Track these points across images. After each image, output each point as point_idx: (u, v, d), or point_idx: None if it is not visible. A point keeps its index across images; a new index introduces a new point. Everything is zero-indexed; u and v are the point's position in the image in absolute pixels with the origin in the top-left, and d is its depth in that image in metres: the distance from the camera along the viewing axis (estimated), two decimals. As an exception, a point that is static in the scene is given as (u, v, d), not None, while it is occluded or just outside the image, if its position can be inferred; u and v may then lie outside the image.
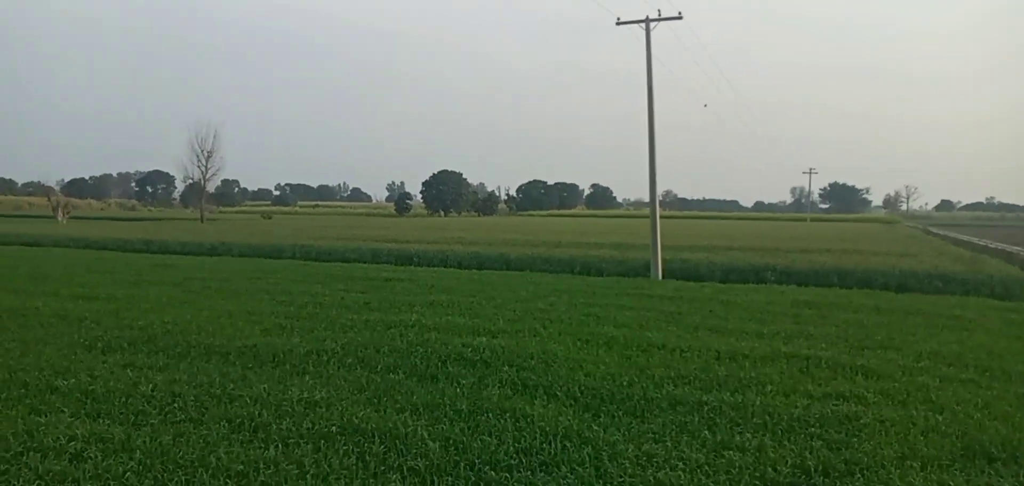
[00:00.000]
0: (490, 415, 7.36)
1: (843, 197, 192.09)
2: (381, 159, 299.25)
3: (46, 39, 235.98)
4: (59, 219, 68.47)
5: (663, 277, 23.40)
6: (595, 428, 7.03)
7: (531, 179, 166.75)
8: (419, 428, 6.89)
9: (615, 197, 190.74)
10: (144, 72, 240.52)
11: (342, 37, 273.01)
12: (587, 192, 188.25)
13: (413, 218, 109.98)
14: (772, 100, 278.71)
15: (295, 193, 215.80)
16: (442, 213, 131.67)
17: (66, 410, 7.45)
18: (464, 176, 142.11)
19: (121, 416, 7.32)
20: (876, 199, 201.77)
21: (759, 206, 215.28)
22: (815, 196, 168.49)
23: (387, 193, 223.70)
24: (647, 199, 25.69)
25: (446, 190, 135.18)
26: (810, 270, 23.41)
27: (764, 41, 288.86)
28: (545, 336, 11.52)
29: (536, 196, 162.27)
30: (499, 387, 8.44)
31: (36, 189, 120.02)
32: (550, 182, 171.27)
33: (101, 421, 7.16)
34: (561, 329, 12.26)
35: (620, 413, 7.61)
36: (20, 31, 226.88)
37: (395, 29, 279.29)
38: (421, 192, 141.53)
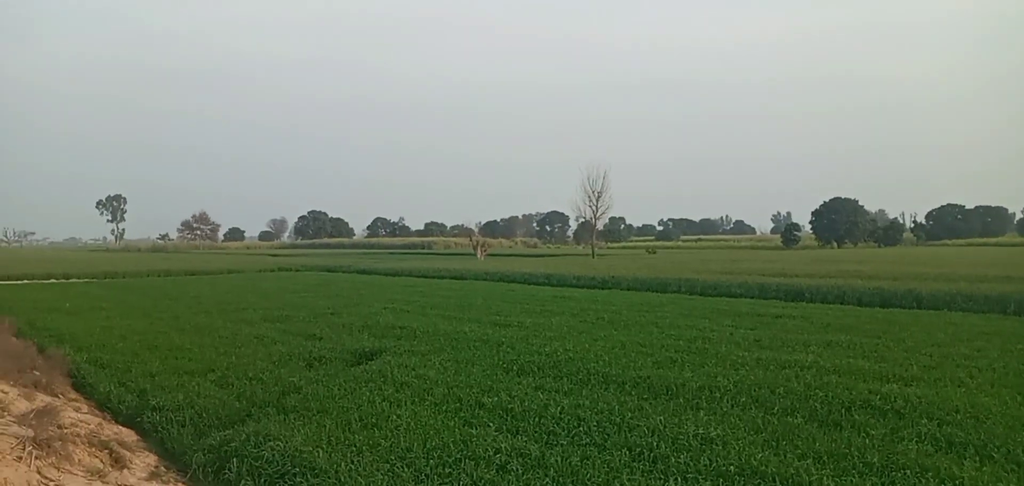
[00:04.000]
0: (908, 472, 6.56)
1: None
2: (765, 188, 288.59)
3: (474, 112, 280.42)
4: (478, 256, 79.22)
5: None
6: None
7: (944, 203, 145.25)
8: (824, 478, 6.44)
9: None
10: (542, 124, 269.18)
11: (720, 71, 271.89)
12: (1019, 217, 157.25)
13: (802, 250, 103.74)
14: None
15: (677, 228, 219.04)
16: (835, 244, 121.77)
17: (491, 424, 8.56)
18: (860, 202, 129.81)
19: (536, 434, 8.17)
20: None
21: None
22: None
23: (772, 224, 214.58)
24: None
25: (839, 219, 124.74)
26: None
27: None
28: (972, 387, 9.91)
29: (951, 222, 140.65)
30: (917, 441, 7.49)
31: (461, 230, 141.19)
32: (969, 206, 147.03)
33: (520, 437, 8.07)
34: (993, 379, 10.43)
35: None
36: (464, 107, 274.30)
37: (779, 56, 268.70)
38: (810, 222, 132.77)
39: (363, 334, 16.23)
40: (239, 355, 13.72)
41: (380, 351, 13.76)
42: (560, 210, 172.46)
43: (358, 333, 16.42)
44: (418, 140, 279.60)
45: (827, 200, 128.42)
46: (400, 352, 13.51)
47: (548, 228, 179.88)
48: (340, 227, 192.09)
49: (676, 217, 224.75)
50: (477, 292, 29.08)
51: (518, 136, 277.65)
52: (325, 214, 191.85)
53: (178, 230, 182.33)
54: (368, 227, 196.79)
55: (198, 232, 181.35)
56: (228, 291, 30.59)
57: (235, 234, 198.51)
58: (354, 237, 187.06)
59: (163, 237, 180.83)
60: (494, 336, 15.33)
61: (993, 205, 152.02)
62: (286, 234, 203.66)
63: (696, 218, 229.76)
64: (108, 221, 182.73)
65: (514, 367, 11.93)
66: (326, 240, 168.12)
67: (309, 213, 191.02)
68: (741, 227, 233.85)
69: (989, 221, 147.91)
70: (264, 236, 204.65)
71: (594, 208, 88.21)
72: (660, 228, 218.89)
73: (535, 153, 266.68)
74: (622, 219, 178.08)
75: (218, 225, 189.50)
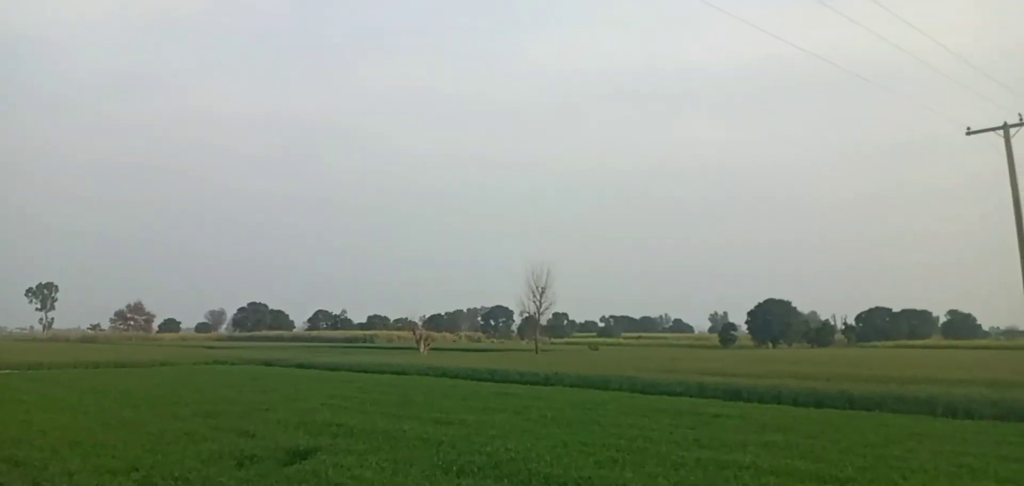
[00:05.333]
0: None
1: None
2: (703, 288, 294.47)
3: (420, 206, 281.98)
4: (421, 350, 78.21)
5: (1058, 423, 19.24)
6: None
7: (873, 306, 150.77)
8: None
9: (980, 325, 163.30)
10: (489, 221, 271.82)
11: (659, 173, 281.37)
12: (944, 320, 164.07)
13: (739, 349, 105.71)
14: None
15: (619, 324, 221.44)
16: (770, 344, 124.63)
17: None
18: (793, 304, 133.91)
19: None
20: None
21: None
22: None
23: (709, 324, 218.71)
24: (1023, 326, 21.70)
25: (773, 319, 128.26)
26: None
27: None
28: (905, 488, 10.13)
29: (880, 325, 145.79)
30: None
31: (404, 324, 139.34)
32: (896, 309, 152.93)
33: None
34: (924, 481, 10.70)
35: None
36: (403, 207, 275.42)
37: (709, 162, 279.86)
38: (746, 322, 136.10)
39: (298, 431, 15.75)
40: (166, 453, 13.10)
41: (315, 449, 13.34)
42: (505, 305, 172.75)
43: (293, 430, 15.93)
44: (363, 233, 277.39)
45: (761, 301, 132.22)
46: (336, 451, 13.13)
47: (492, 322, 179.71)
48: (280, 319, 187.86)
49: (618, 314, 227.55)
50: (419, 387, 28.63)
51: (465, 231, 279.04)
52: (265, 306, 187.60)
53: (111, 320, 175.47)
54: (309, 320, 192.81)
55: (132, 322, 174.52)
56: (159, 384, 29.40)
57: (170, 325, 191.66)
58: (294, 330, 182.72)
59: (94, 327, 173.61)
60: (435, 434, 15.06)
61: (918, 308, 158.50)
62: (224, 326, 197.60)
63: (637, 316, 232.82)
64: (37, 309, 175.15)
65: (454, 467, 11.70)
66: (265, 332, 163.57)
67: (248, 304, 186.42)
68: (680, 325, 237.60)
69: (915, 324, 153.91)
70: (201, 328, 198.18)
71: (538, 303, 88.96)
72: (602, 324, 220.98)
73: (481, 248, 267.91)
74: (565, 315, 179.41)
75: (153, 315, 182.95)
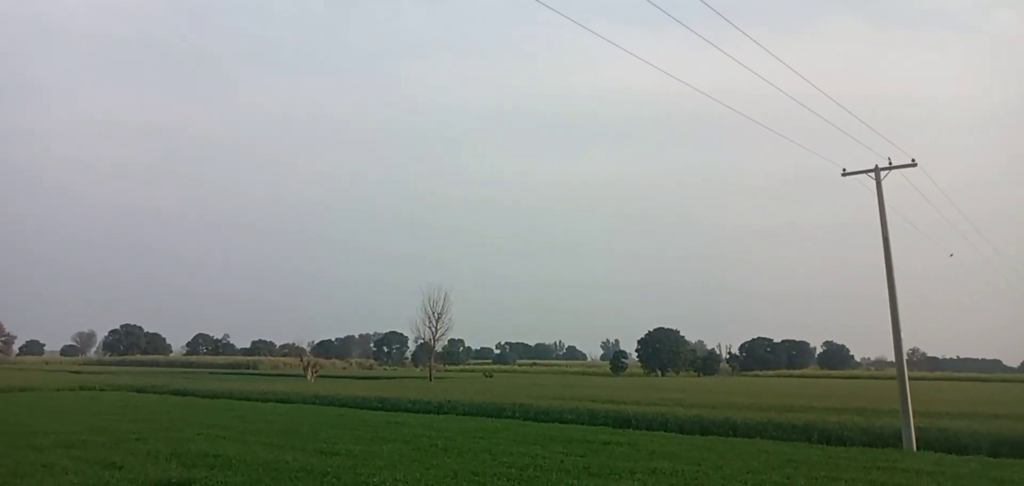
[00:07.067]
0: None
1: None
2: (596, 317, 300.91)
3: (310, 223, 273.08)
4: (308, 378, 75.59)
5: (917, 448, 20.54)
6: None
7: (755, 337, 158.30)
8: None
9: (852, 356, 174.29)
10: (386, 243, 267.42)
11: (553, 198, 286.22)
12: (820, 350, 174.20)
13: (629, 377, 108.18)
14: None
15: (514, 351, 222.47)
16: (659, 372, 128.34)
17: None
18: (681, 333, 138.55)
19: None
20: None
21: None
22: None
23: (602, 351, 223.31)
24: (890, 357, 23.22)
25: (662, 348, 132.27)
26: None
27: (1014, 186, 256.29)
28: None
29: (762, 355, 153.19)
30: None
31: (291, 350, 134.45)
32: (777, 340, 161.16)
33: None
34: (802, 507, 11.01)
35: None
36: (292, 228, 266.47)
37: (610, 191, 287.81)
38: (637, 350, 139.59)
39: (171, 463, 14.69)
40: (15, 489, 11.86)
41: (189, 482, 12.45)
42: (399, 331, 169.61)
43: (165, 462, 14.84)
44: (249, 254, 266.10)
45: (652, 330, 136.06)
46: (211, 484, 12.29)
47: (386, 349, 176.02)
48: (156, 343, 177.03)
49: (513, 341, 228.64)
50: (304, 417, 27.52)
51: (358, 255, 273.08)
52: (140, 328, 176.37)
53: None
54: (188, 344, 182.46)
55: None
56: (17, 412, 27.05)
57: (33, 347, 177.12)
58: (171, 354, 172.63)
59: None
60: (319, 466, 14.37)
61: (797, 339, 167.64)
62: (94, 349, 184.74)
63: (532, 343, 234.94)
64: None
65: (337, 500, 11.14)
66: (139, 357, 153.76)
67: (121, 327, 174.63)
68: (573, 353, 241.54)
69: (794, 354, 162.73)
70: (67, 351, 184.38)
71: (433, 330, 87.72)
72: (498, 351, 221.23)
73: (376, 272, 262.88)
74: (461, 341, 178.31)
75: (13, 336, 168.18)
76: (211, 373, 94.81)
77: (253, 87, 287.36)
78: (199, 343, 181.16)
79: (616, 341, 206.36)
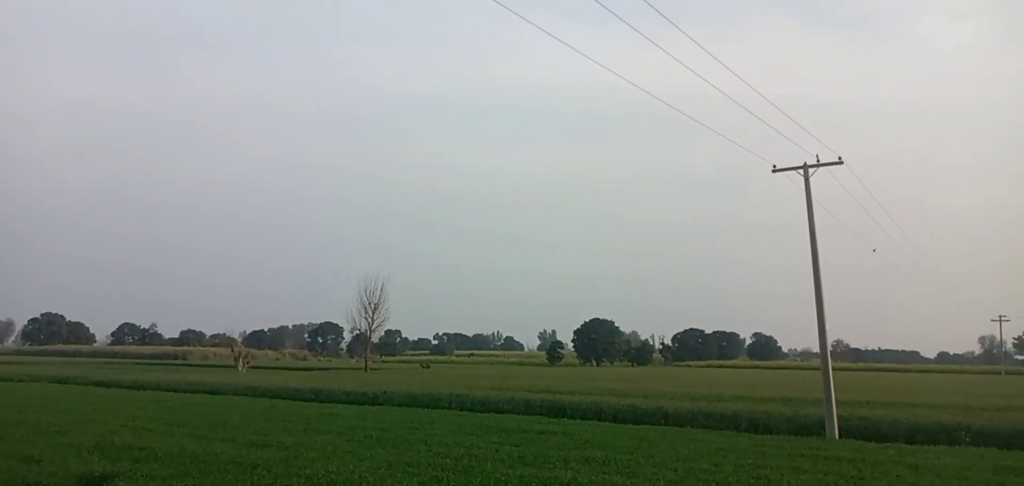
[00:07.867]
0: None
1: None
2: (533, 308, 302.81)
3: (243, 207, 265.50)
4: (240, 369, 73.74)
5: (839, 436, 21.42)
6: None
7: (687, 328, 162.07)
8: None
9: (780, 347, 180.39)
10: (321, 230, 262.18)
11: (493, 189, 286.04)
12: (749, 342, 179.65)
13: (565, 367, 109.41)
14: (956, 241, 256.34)
15: (452, 342, 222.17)
16: (594, 362, 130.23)
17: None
18: (616, 324, 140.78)
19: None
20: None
21: (943, 357, 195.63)
22: (1009, 346, 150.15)
23: (539, 341, 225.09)
24: (815, 349, 24.11)
25: (598, 339, 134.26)
26: (1013, 431, 20.62)
27: (936, 186, 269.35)
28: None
29: (693, 346, 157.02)
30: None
31: (222, 340, 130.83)
32: (708, 331, 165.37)
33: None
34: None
35: None
36: (217, 205, 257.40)
37: (548, 183, 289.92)
38: (573, 341, 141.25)
39: (94, 456, 14.17)
40: (-81, 486, 11.28)
41: (112, 477, 12.02)
42: (334, 321, 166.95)
43: (87, 455, 14.29)
44: (177, 239, 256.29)
45: (587, 320, 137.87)
46: (136, 477, 11.93)
47: (320, 340, 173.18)
48: (79, 332, 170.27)
49: (451, 332, 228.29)
50: (235, 408, 26.92)
51: (291, 242, 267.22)
52: (62, 317, 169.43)
53: None
54: (113, 334, 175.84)
55: None
56: (-81, 406, 25.58)
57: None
58: (95, 344, 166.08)
59: None
60: (249, 458, 14.09)
61: (727, 331, 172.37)
62: (12, 339, 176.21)
63: (470, 333, 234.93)
64: None
65: (268, 492, 10.97)
66: (61, 347, 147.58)
67: (42, 315, 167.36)
68: (511, 343, 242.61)
69: (724, 345, 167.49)
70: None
71: (370, 320, 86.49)
72: (436, 342, 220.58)
73: (310, 259, 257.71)
74: (398, 332, 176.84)
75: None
76: (137, 364, 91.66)
77: (186, 65, 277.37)
78: (125, 333, 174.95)
79: (553, 332, 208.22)
